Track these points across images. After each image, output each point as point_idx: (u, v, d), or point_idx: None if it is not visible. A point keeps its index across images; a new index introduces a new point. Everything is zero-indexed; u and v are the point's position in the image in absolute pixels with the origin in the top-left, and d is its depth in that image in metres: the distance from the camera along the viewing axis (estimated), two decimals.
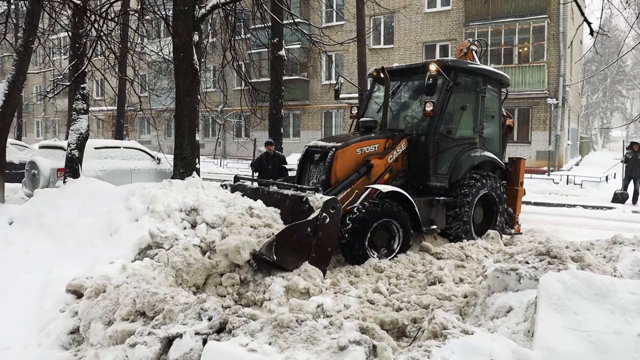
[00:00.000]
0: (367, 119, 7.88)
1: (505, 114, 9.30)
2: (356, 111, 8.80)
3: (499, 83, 8.67)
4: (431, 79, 7.06)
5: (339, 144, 6.90)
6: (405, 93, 8.62)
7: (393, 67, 8.41)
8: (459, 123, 8.12)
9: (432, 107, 7.16)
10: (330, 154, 6.81)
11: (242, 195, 6.62)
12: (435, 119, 7.42)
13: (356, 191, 6.72)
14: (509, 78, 9.09)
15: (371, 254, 6.36)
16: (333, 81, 25.64)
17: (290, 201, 6.17)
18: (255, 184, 7.63)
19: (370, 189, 6.67)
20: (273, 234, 5.46)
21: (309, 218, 5.56)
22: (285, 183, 6.92)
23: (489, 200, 8.07)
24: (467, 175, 7.77)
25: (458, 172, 7.70)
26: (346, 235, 6.21)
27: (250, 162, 10.75)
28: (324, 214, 5.59)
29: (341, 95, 9.21)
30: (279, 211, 6.16)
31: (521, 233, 8.92)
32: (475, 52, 9.30)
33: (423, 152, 7.47)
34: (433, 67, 7.21)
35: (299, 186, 6.52)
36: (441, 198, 7.53)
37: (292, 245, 5.39)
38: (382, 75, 7.91)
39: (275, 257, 5.21)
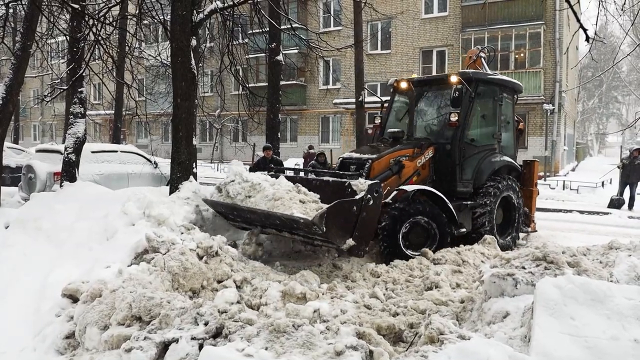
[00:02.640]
0: (395, 129, 8.29)
1: (517, 118, 9.69)
2: (379, 121, 9.09)
3: (512, 90, 9.11)
4: (457, 92, 7.51)
5: (374, 156, 7.37)
6: (427, 103, 8.96)
7: (414, 79, 8.81)
8: (480, 131, 8.53)
9: (457, 118, 7.60)
10: (367, 165, 7.25)
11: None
12: (460, 128, 7.86)
13: (388, 188, 7.09)
14: (521, 85, 9.51)
15: (407, 252, 6.73)
16: (330, 86, 25.83)
17: (331, 187, 6.66)
18: (290, 173, 7.97)
19: (400, 189, 7.12)
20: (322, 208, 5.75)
21: (355, 197, 5.89)
22: (326, 171, 7.28)
23: (508, 201, 8.49)
24: (489, 180, 8.20)
25: (481, 178, 8.16)
26: (382, 231, 6.62)
27: (249, 166, 10.75)
28: (369, 196, 5.91)
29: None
30: (318, 196, 6.45)
31: (536, 231, 9.49)
32: (484, 59, 9.60)
33: (449, 159, 7.91)
34: (454, 79, 7.75)
35: (340, 173, 7.02)
36: (468, 202, 7.94)
37: (340, 221, 5.68)
38: (403, 86, 8.41)
39: (324, 228, 5.46)
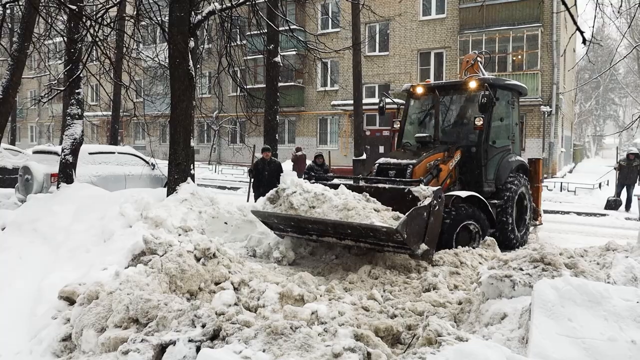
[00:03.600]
0: (423, 134, 8.68)
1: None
2: (398, 125, 9.37)
3: (519, 93, 9.57)
4: (485, 98, 7.91)
5: (414, 161, 7.77)
6: (446, 107, 9.27)
7: (432, 84, 9.19)
8: (499, 133, 9.05)
9: (481, 122, 8.08)
10: (408, 170, 7.65)
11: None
12: (484, 131, 8.35)
13: None
14: (526, 87, 9.90)
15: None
16: (328, 88, 25.84)
17: (389, 193, 6.89)
18: (337, 180, 8.22)
19: (456, 195, 7.53)
20: (399, 216, 6.06)
21: (423, 204, 6.17)
22: (380, 178, 7.69)
23: (521, 198, 9.01)
24: (508, 179, 8.76)
25: (502, 177, 8.70)
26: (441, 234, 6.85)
27: (248, 168, 10.80)
28: (435, 202, 6.24)
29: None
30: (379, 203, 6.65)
31: (542, 224, 10.33)
32: (481, 63, 9.89)
33: (475, 161, 8.39)
34: (474, 85, 8.28)
35: (397, 179, 7.33)
36: (495, 202, 8.38)
37: (415, 227, 6.03)
38: (419, 91, 8.90)
39: (405, 235, 5.78)
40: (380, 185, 7.23)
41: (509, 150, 9.13)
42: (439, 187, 6.64)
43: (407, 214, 5.90)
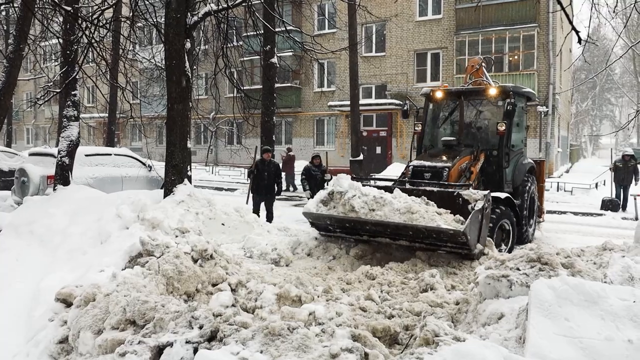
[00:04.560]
0: (449, 138, 9.11)
1: None
2: (419, 128, 9.68)
3: (528, 99, 10.04)
4: (510, 106, 8.45)
5: (449, 164, 8.15)
6: (466, 112, 9.58)
7: (452, 89, 9.69)
8: (516, 137, 9.51)
9: (504, 127, 8.48)
10: (445, 173, 8.02)
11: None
12: (506, 136, 8.75)
13: None
14: (535, 93, 10.45)
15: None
16: (325, 88, 25.83)
17: (437, 196, 7.24)
18: (383, 183, 8.62)
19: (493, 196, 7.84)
20: (460, 219, 6.56)
21: (477, 207, 6.62)
22: (429, 181, 8.00)
23: (531, 197, 9.59)
24: (523, 180, 9.30)
25: (519, 178, 9.22)
26: None
27: (248, 169, 10.81)
28: (486, 204, 6.78)
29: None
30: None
31: (544, 220, 10.81)
32: (485, 67, 10.28)
33: (497, 163, 8.85)
34: (494, 91, 8.77)
35: (446, 183, 7.69)
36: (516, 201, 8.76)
37: (474, 229, 6.52)
38: (438, 96, 9.29)
39: (469, 237, 6.28)
40: (428, 188, 7.55)
41: (522, 153, 9.71)
42: (488, 191, 7.12)
43: (469, 217, 6.40)
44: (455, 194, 7.11)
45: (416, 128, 9.67)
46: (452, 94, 9.40)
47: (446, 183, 7.68)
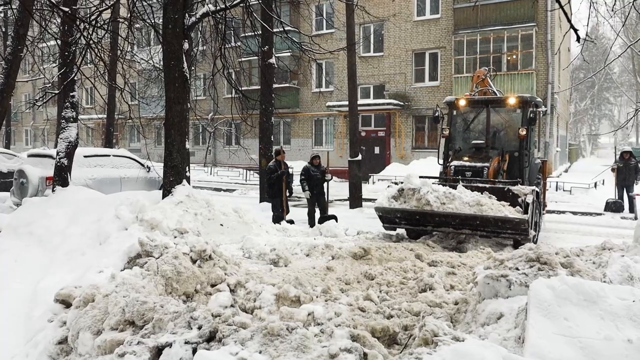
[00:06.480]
0: (479, 141, 10.07)
1: None
2: (447, 132, 10.58)
3: (536, 105, 10.78)
4: (533, 114, 9.73)
5: (487, 164, 9.27)
6: (490, 118, 10.47)
7: (475, 98, 10.64)
8: (531, 140, 10.48)
9: (525, 132, 9.58)
10: (485, 172, 9.18)
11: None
12: (526, 139, 9.77)
13: None
14: (541, 101, 11.77)
15: None
16: (323, 89, 25.85)
17: (491, 191, 8.33)
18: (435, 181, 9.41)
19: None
20: (519, 210, 7.84)
21: (529, 200, 7.89)
22: (478, 178, 9.05)
23: (538, 193, 10.08)
24: (535, 178, 10.30)
25: (533, 177, 10.25)
26: None
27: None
28: (535, 197, 8.05)
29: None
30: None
31: (545, 213, 11.47)
32: (490, 77, 11.38)
33: (519, 164, 9.87)
34: (513, 100, 9.79)
35: (496, 180, 8.90)
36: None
37: (531, 218, 7.85)
38: (462, 103, 10.27)
39: (530, 224, 7.55)
40: (480, 184, 8.61)
41: (533, 154, 10.84)
42: (534, 187, 8.46)
43: (529, 207, 7.75)
44: (505, 189, 8.25)
45: (444, 132, 10.55)
46: (476, 102, 10.40)
47: (497, 180, 8.83)
